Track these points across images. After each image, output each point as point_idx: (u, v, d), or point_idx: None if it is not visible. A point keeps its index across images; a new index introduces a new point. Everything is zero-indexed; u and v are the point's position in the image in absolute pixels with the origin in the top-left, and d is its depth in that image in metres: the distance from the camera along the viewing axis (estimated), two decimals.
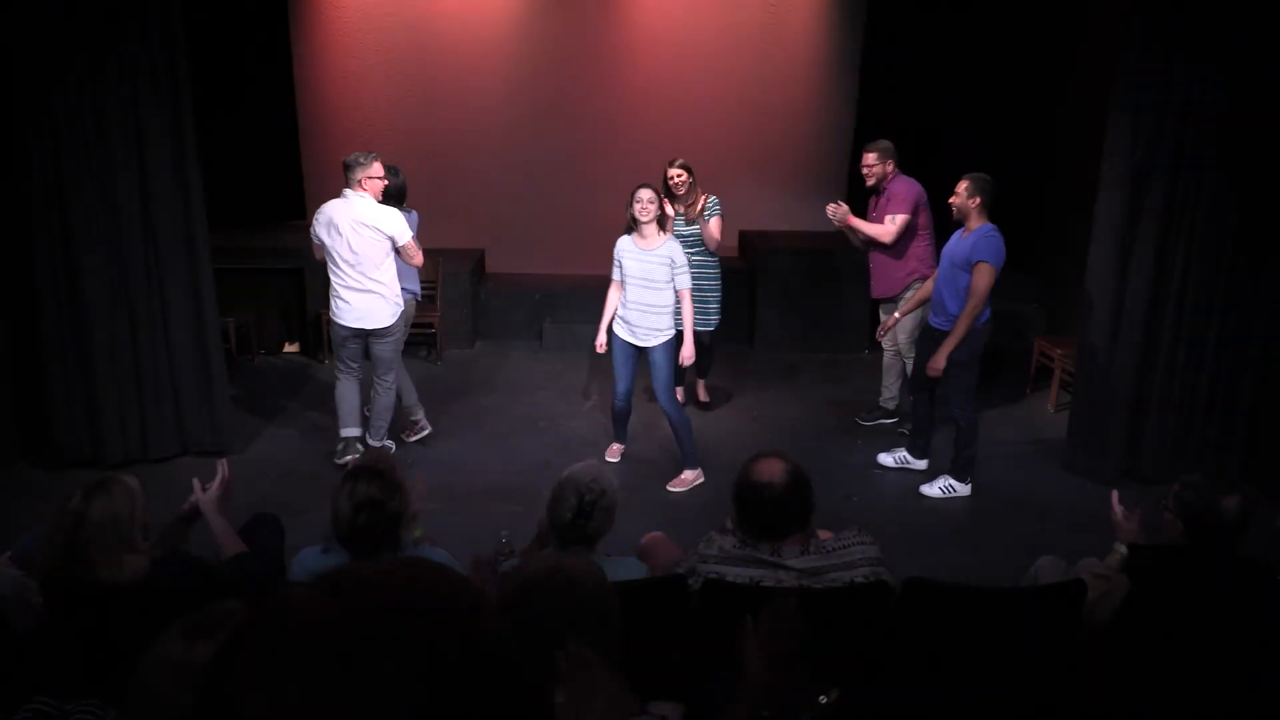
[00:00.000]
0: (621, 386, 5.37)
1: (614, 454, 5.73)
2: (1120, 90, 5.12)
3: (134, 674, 1.82)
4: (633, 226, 5.19)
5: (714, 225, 5.95)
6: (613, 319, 5.34)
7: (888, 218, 5.81)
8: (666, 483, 5.37)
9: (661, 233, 5.20)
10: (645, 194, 5.11)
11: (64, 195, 5.04)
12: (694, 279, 5.45)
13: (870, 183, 5.93)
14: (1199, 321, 5.28)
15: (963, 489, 5.32)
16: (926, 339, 5.36)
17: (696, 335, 5.43)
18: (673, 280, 5.16)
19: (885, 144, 5.91)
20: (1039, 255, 7.86)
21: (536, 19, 8.24)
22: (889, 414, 6.31)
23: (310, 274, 7.50)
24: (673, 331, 5.23)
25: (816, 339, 7.64)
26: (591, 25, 8.32)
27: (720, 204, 5.99)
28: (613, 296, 5.33)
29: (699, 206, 5.95)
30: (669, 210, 5.69)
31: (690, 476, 5.37)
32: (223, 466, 3.34)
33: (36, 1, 4.83)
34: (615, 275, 5.29)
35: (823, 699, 2.25)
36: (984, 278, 4.91)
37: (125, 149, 5.09)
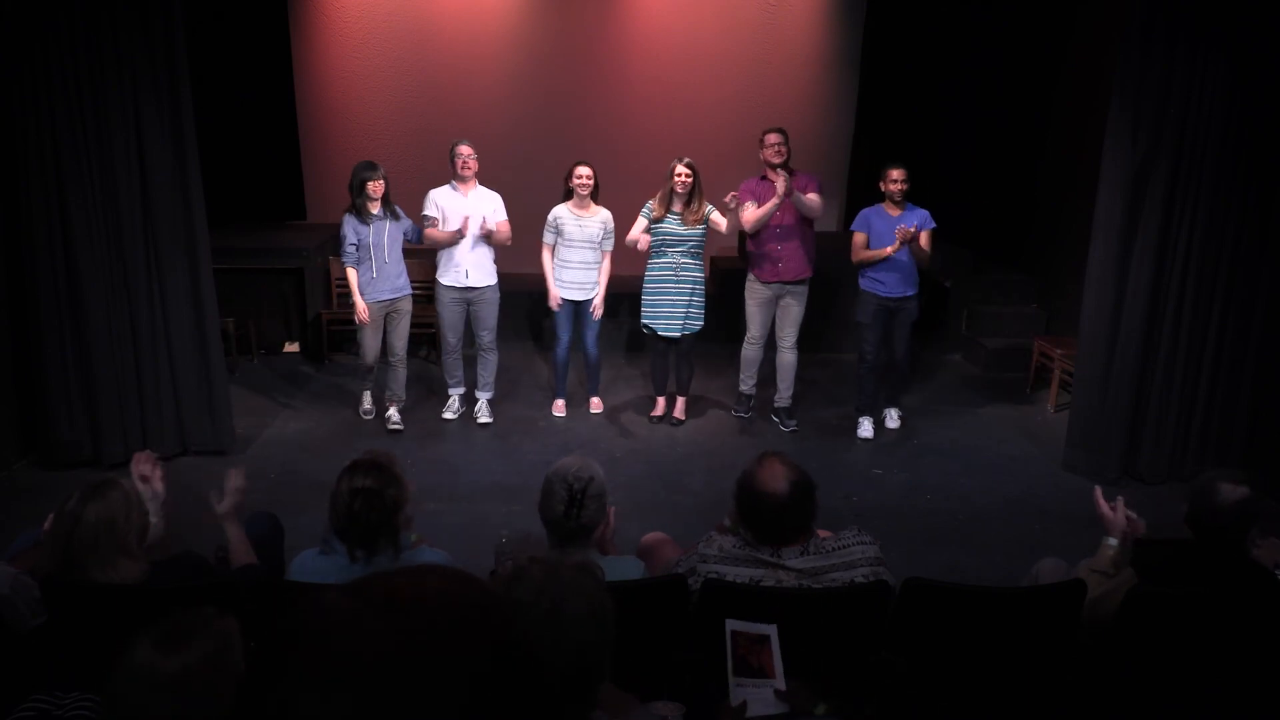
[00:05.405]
0: (567, 338, 6.20)
1: (560, 409, 6.37)
2: (1120, 89, 5.12)
3: (108, 684, 1.80)
4: (569, 196, 5.97)
5: (729, 219, 5.91)
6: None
7: (815, 196, 5.91)
8: (666, 483, 5.38)
9: (595, 205, 6.02)
10: (584, 170, 5.94)
11: (64, 195, 5.04)
12: (683, 281, 5.98)
13: (779, 161, 5.79)
14: (1199, 321, 5.27)
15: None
16: (884, 312, 5.92)
17: (678, 340, 6.07)
18: (601, 243, 6.04)
19: (780, 128, 5.90)
20: (1038, 255, 7.86)
21: (537, 19, 8.25)
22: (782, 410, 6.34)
23: (310, 274, 7.50)
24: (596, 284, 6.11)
25: (816, 339, 7.63)
26: (592, 26, 8.32)
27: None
28: (548, 260, 6.10)
29: (700, 214, 5.85)
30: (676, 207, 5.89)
31: (597, 403, 6.46)
32: (235, 476, 3.25)
33: (36, 2, 4.83)
34: (549, 240, 6.06)
35: (819, 710, 2.25)
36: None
37: (125, 149, 5.08)
